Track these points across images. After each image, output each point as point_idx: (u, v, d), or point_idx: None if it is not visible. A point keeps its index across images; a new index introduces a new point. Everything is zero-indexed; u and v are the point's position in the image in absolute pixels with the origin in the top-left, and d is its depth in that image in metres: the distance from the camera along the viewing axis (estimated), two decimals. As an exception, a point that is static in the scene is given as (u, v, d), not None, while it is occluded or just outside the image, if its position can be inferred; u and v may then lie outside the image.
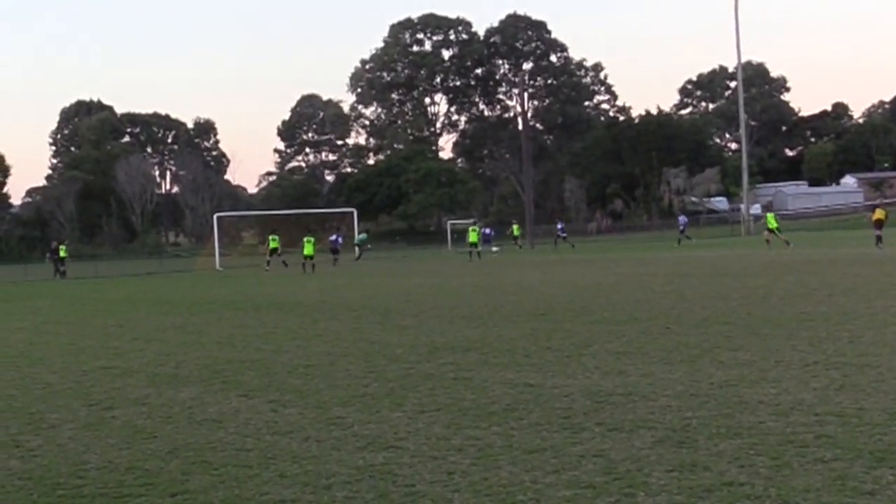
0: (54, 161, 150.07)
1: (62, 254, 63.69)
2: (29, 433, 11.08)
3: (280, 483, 8.41)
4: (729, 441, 8.99)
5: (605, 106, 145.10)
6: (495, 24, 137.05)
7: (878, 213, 46.61)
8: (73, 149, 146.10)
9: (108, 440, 10.48)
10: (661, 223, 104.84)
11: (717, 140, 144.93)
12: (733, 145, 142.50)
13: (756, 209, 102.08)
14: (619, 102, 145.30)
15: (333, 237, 65.74)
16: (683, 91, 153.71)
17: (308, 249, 54.80)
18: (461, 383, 12.82)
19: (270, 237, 59.35)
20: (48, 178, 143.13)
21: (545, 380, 12.73)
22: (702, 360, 13.77)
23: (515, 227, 75.97)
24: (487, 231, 75.99)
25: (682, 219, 73.45)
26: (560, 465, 8.43)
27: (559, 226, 76.68)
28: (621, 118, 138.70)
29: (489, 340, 17.20)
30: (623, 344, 15.81)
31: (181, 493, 8.31)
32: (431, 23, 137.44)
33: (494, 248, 70.75)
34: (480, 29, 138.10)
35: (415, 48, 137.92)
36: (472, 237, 62.59)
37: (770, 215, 55.72)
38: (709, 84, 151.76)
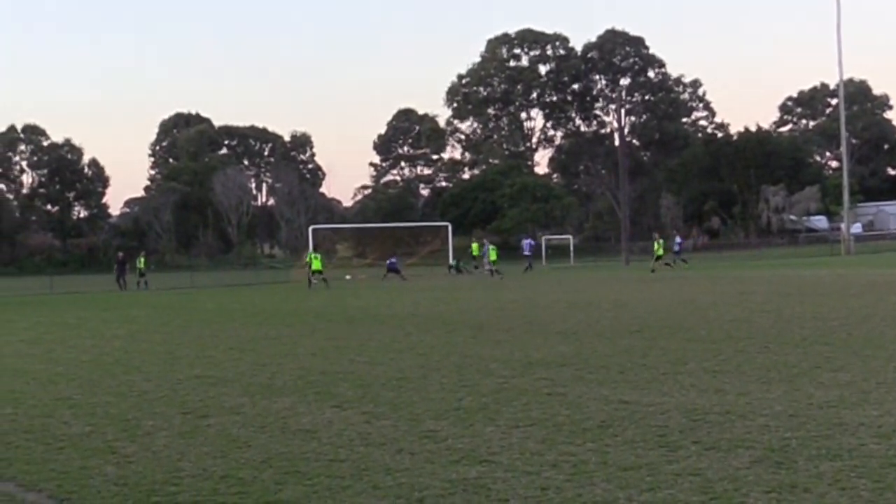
0: (153, 172, 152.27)
1: (142, 265, 63.62)
2: (124, 440, 11.18)
3: (373, 495, 8.40)
4: (829, 463, 8.81)
5: (702, 122, 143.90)
6: (593, 40, 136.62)
7: None
8: (171, 160, 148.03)
9: (202, 448, 10.54)
10: (759, 241, 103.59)
11: (818, 158, 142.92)
12: (834, 163, 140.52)
13: (857, 228, 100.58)
14: (718, 119, 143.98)
15: (390, 260, 65.17)
16: (783, 108, 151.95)
17: (316, 264, 55.00)
18: (555, 399, 12.72)
19: (313, 255, 58.46)
20: (146, 188, 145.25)
21: (640, 397, 12.59)
22: (801, 380, 13.53)
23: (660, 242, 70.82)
24: (530, 242, 74.01)
25: (678, 241, 71.21)
26: (655, 483, 8.32)
27: (677, 240, 72.99)
28: (719, 135, 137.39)
29: (584, 356, 17.06)
30: (720, 362, 15.59)
31: (274, 502, 8.34)
32: (529, 38, 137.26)
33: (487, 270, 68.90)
34: (578, 44, 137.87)
35: (512, 63, 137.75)
36: (493, 255, 62.34)
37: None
38: (809, 101, 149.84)
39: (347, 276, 65.96)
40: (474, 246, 63.81)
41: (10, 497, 8.96)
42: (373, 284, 55.66)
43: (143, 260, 64.65)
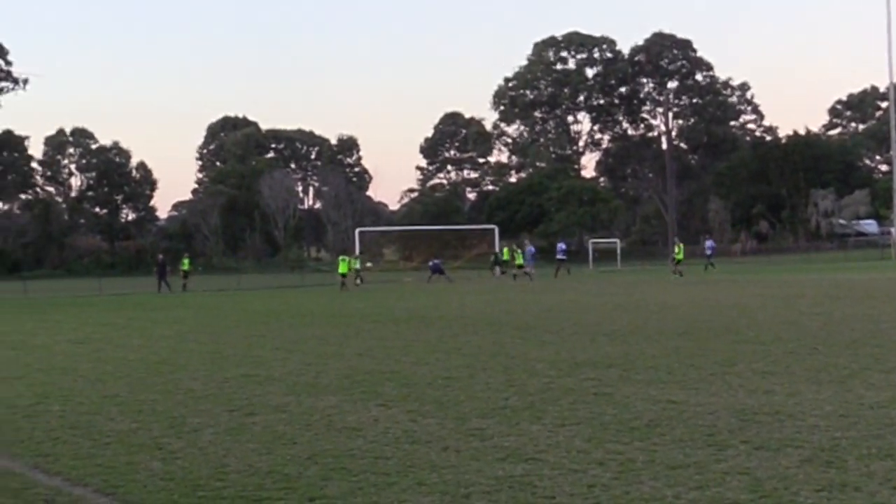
0: (200, 175, 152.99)
1: (185, 267, 63.07)
2: (171, 436, 11.21)
3: (418, 491, 8.37)
4: (880, 462, 8.71)
5: (751, 126, 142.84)
6: (640, 43, 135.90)
7: None
8: (218, 163, 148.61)
9: (248, 445, 10.56)
10: (808, 245, 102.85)
11: (868, 161, 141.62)
12: (884, 167, 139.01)
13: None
14: (766, 122, 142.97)
15: (434, 262, 64.98)
16: (833, 111, 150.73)
17: (342, 268, 55.17)
18: (602, 398, 12.66)
19: (341, 258, 58.34)
20: (194, 191, 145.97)
21: (688, 397, 12.50)
22: (851, 381, 13.41)
23: (680, 247, 69.63)
24: (531, 250, 73.37)
25: (710, 244, 70.56)
26: (704, 482, 8.25)
27: (708, 243, 72.29)
28: (768, 138, 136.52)
29: (631, 357, 16.98)
30: (769, 363, 15.47)
31: (319, 497, 8.32)
32: (576, 41, 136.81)
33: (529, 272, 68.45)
34: (625, 47, 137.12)
35: (558, 66, 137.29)
36: (519, 259, 62.89)
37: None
38: (859, 104, 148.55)
39: (369, 264, 65.93)
40: (505, 251, 63.73)
41: (56, 491, 9.01)
42: (419, 287, 55.67)
43: (186, 262, 64.24)
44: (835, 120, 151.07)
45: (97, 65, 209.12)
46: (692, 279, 52.86)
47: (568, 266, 69.92)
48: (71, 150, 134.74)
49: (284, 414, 12.44)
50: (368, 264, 65.27)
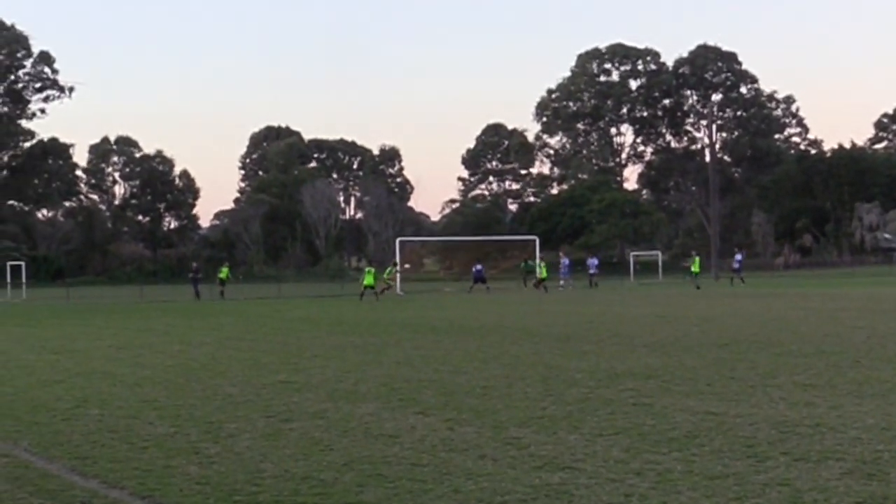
0: (242, 184, 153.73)
1: (223, 275, 62.85)
2: (208, 441, 11.22)
3: (454, 498, 8.35)
4: (923, 476, 8.59)
5: (795, 139, 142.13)
6: (684, 55, 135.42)
7: None
8: (260, 173, 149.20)
9: (284, 450, 10.55)
10: (852, 260, 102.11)
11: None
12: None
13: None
14: (811, 136, 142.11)
15: (477, 268, 64.80)
16: (878, 125, 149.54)
17: (368, 279, 54.76)
18: (641, 409, 12.58)
19: (367, 270, 57.84)
20: (236, 200, 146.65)
21: (728, 409, 12.40)
22: (894, 394, 13.27)
23: (697, 259, 69.26)
24: (566, 262, 73.05)
25: (738, 257, 70.12)
26: (743, 493, 8.17)
27: (737, 257, 71.71)
28: (813, 151, 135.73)
29: (670, 369, 16.87)
30: (810, 376, 15.33)
31: (355, 503, 8.28)
32: (619, 52, 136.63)
33: (565, 284, 68.54)
34: (669, 59, 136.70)
35: (602, 78, 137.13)
36: (543, 272, 63.11)
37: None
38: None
39: (406, 265, 65.82)
40: (522, 265, 63.94)
41: (93, 493, 9.03)
42: (459, 297, 55.62)
43: (225, 270, 63.96)
44: (881, 133, 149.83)
45: (142, 73, 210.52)
46: (723, 291, 52.55)
47: (597, 280, 69.64)
48: (115, 159, 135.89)
49: (322, 420, 12.43)
50: (406, 265, 65.13)
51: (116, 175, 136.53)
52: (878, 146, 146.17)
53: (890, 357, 17.76)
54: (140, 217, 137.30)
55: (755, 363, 17.37)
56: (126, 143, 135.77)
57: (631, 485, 8.56)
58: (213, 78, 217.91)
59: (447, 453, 10.18)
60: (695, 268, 65.57)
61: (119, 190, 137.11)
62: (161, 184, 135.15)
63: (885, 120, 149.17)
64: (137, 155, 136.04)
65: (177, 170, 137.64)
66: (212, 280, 65.27)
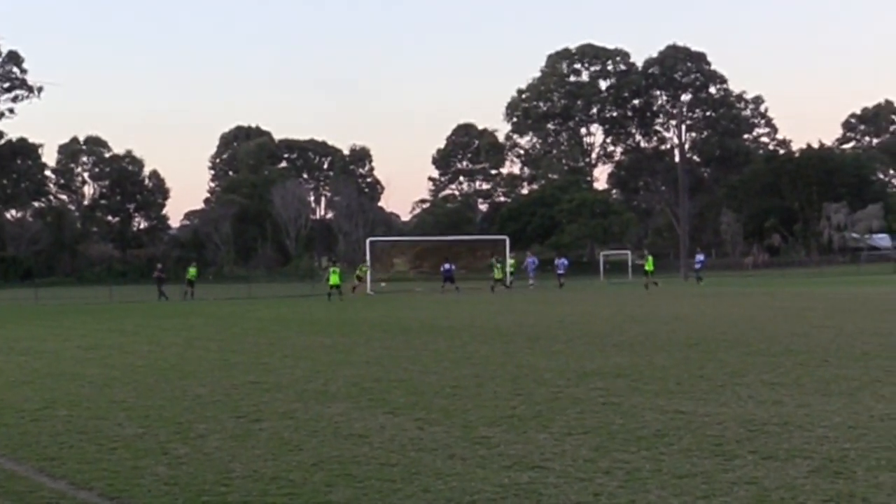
0: (212, 185, 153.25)
1: (191, 276, 62.08)
2: (177, 441, 11.21)
3: (423, 498, 8.36)
4: (889, 473, 8.68)
5: (764, 139, 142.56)
6: (654, 55, 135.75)
7: None
8: (230, 173, 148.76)
9: (254, 451, 10.56)
10: (821, 259, 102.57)
11: (881, 176, 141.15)
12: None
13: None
14: (780, 136, 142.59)
15: (445, 266, 64.89)
16: (847, 125, 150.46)
17: (333, 279, 54.57)
18: (610, 408, 12.63)
19: (332, 269, 57.36)
20: (206, 201, 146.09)
21: (697, 407, 12.47)
22: (861, 393, 13.37)
23: (649, 258, 69.39)
24: (533, 261, 73.10)
25: (700, 257, 70.83)
26: (710, 491, 8.22)
27: (699, 257, 72.43)
28: (781, 151, 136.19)
29: (640, 368, 16.94)
30: (778, 375, 15.43)
31: (324, 503, 8.28)
32: (589, 53, 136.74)
33: (532, 284, 68.74)
34: (639, 59, 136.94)
35: (572, 78, 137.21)
36: (497, 273, 63.18)
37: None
38: (874, 118, 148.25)
39: (382, 284, 65.63)
40: (497, 271, 63.94)
41: (61, 494, 9.02)
42: (429, 297, 55.62)
43: (193, 271, 63.19)
44: (849, 134, 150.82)
45: (111, 74, 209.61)
46: (692, 290, 52.74)
47: (563, 280, 69.66)
48: (84, 159, 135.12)
49: (291, 421, 12.42)
50: (382, 284, 64.98)
51: (86, 175, 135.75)
52: (845, 146, 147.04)
53: (857, 356, 17.88)
54: (109, 217, 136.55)
55: (724, 362, 17.46)
56: (95, 144, 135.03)
57: (600, 484, 8.59)
58: (183, 78, 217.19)
59: (416, 453, 10.19)
60: (648, 266, 66.14)
61: (88, 190, 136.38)
62: (131, 184, 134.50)
63: (853, 120, 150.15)
64: (107, 155, 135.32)
65: (146, 170, 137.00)
66: (177, 281, 64.86)
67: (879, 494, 7.95)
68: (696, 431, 10.85)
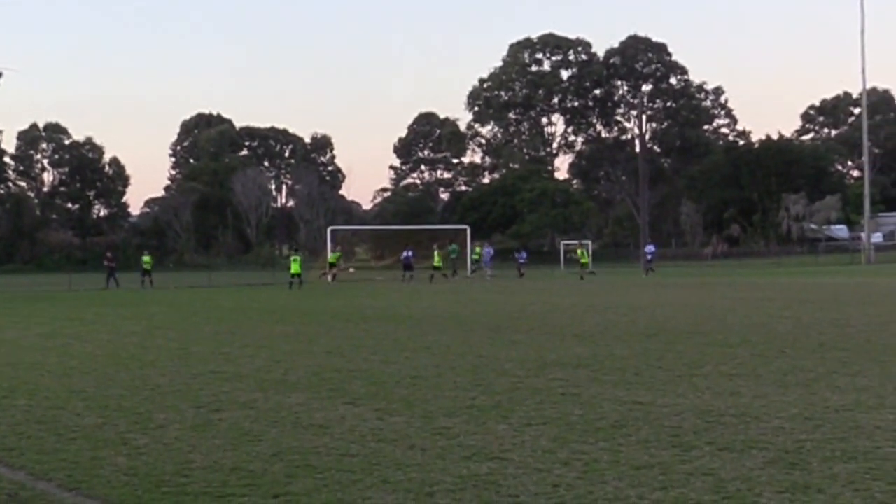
0: (173, 172, 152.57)
1: (147, 265, 61.20)
2: (136, 432, 11.18)
3: (383, 489, 8.37)
4: (844, 465, 8.77)
5: (724, 130, 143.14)
6: (615, 45, 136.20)
7: None
8: (191, 160, 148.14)
9: (213, 441, 10.54)
10: (779, 249, 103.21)
11: (839, 167, 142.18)
12: (855, 172, 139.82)
13: (877, 238, 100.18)
14: (739, 127, 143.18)
15: (405, 253, 64.66)
16: (806, 116, 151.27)
17: (295, 267, 54.64)
18: (569, 399, 12.69)
19: (293, 258, 57.59)
20: (167, 188, 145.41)
21: (655, 398, 12.56)
22: (817, 384, 13.49)
23: (582, 251, 71.10)
24: (489, 251, 73.37)
25: (650, 248, 71.55)
26: (668, 482, 8.29)
27: (649, 248, 73.27)
28: (741, 142, 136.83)
29: (599, 358, 17.03)
30: (736, 366, 15.55)
31: (283, 494, 8.32)
32: (551, 43, 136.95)
33: (489, 274, 68.76)
34: (600, 50, 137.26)
35: (533, 68, 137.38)
36: (437, 260, 63.05)
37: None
38: (832, 110, 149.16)
39: (351, 270, 65.51)
40: (437, 257, 63.80)
41: (20, 485, 8.97)
42: (390, 286, 55.61)
43: (147, 259, 62.34)
44: (808, 125, 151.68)
45: (72, 60, 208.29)
46: (651, 280, 52.98)
47: (523, 271, 69.73)
48: (44, 146, 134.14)
49: (251, 411, 12.42)
50: (351, 270, 64.85)
51: (45, 162, 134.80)
52: (805, 137, 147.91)
53: (813, 347, 18.04)
54: (69, 204, 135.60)
55: (682, 353, 17.58)
56: (55, 130, 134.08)
57: (558, 475, 8.64)
58: (144, 65, 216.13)
59: (377, 443, 10.21)
60: (583, 258, 67.17)
61: (48, 177, 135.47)
62: (91, 171, 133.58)
63: (812, 112, 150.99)
64: (67, 142, 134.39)
65: (107, 157, 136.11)
66: (130, 269, 64.29)
67: (834, 486, 8.04)
68: (654, 422, 10.92)
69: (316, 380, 15.11)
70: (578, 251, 70.34)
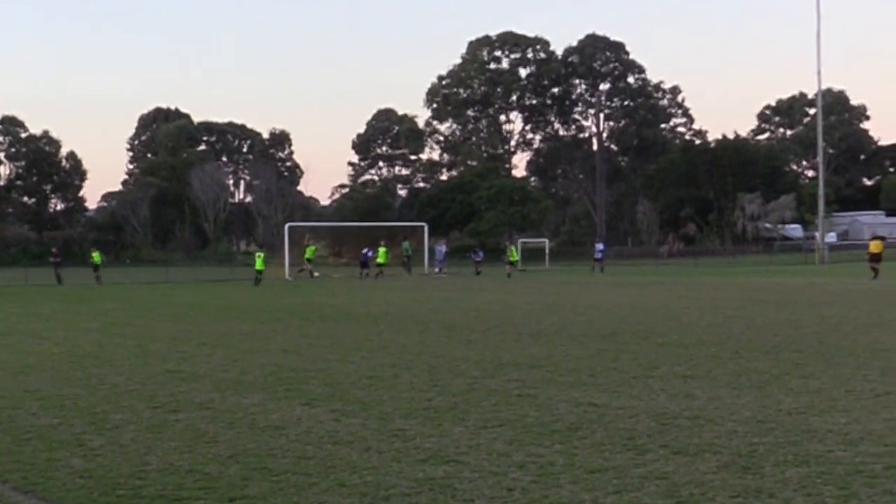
0: (131, 167, 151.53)
1: (96, 260, 60.93)
2: (92, 433, 11.16)
3: (338, 492, 8.40)
4: (796, 469, 8.87)
5: (681, 129, 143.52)
6: (574, 44, 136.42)
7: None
8: (149, 155, 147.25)
9: (169, 443, 10.54)
10: (734, 248, 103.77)
11: (794, 167, 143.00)
12: (810, 173, 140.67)
13: (831, 238, 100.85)
14: (696, 126, 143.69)
15: (365, 251, 64.75)
16: (761, 116, 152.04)
17: (258, 264, 55.10)
18: (525, 400, 12.75)
19: (258, 254, 58.45)
20: (124, 183, 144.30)
21: (610, 400, 12.64)
22: (771, 386, 13.61)
23: (513, 249, 72.31)
24: (442, 249, 73.65)
25: (600, 246, 72.19)
26: (622, 486, 8.36)
27: (599, 246, 73.94)
28: (697, 142, 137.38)
29: (555, 359, 17.10)
30: (690, 367, 15.66)
31: (239, 498, 8.34)
32: (510, 40, 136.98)
33: (443, 272, 68.69)
34: (558, 48, 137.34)
35: (492, 65, 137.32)
36: (382, 257, 62.79)
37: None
38: (788, 110, 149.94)
39: (316, 274, 65.42)
40: (382, 254, 63.79)
41: (-26, 488, 8.93)
42: (348, 283, 55.55)
43: (97, 255, 61.87)
44: (763, 125, 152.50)
45: (29, 53, 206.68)
46: (621, 280, 53.20)
47: (480, 269, 69.96)
48: (0, 139, 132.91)
49: (208, 411, 12.42)
50: (315, 274, 64.69)
51: (1, 155, 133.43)
52: (760, 137, 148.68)
53: (768, 348, 18.18)
54: (25, 198, 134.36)
55: (637, 354, 17.68)
56: (11, 123, 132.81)
57: (514, 478, 8.70)
58: (102, 58, 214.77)
59: (333, 446, 10.24)
60: (512, 257, 68.22)
61: (4, 170, 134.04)
62: (47, 165, 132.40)
63: (768, 112, 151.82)
64: (23, 135, 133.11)
65: (63, 151, 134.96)
66: (81, 265, 63.81)
67: (786, 490, 8.13)
68: (609, 425, 11.00)
69: (272, 379, 15.11)
70: (509, 249, 71.07)
